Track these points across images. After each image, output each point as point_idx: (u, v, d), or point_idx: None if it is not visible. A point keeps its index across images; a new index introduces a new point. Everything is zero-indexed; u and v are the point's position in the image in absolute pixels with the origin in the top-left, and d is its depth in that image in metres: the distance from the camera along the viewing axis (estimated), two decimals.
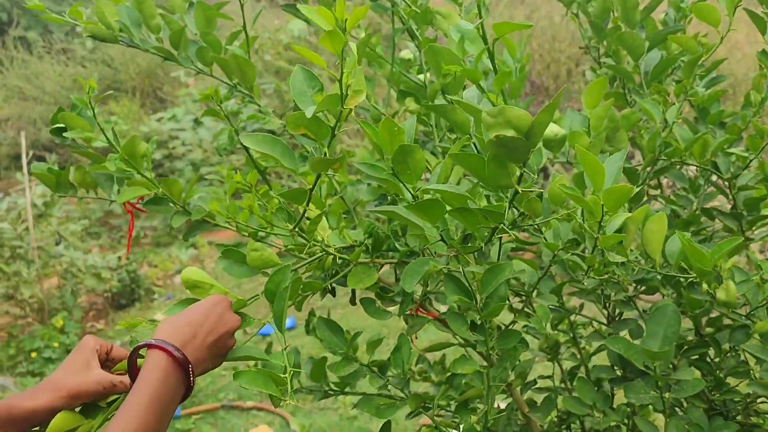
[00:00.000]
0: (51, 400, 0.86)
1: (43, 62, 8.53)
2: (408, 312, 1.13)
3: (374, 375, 1.12)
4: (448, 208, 0.87)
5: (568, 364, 1.54)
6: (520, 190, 0.81)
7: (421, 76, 1.20)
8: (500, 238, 0.96)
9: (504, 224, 0.87)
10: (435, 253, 0.97)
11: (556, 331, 1.49)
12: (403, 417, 1.33)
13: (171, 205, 1.17)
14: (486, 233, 0.89)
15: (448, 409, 1.21)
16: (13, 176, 7.22)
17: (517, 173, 0.80)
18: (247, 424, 3.26)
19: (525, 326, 1.33)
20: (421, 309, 1.13)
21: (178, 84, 7.33)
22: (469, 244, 0.93)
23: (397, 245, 1.03)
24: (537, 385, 1.46)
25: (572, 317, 1.45)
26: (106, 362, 0.94)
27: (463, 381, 1.12)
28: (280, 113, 1.25)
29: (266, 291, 0.96)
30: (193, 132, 6.08)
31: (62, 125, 1.11)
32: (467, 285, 0.94)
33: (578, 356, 1.49)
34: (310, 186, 0.93)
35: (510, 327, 1.02)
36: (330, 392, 1.41)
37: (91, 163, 1.21)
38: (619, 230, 0.90)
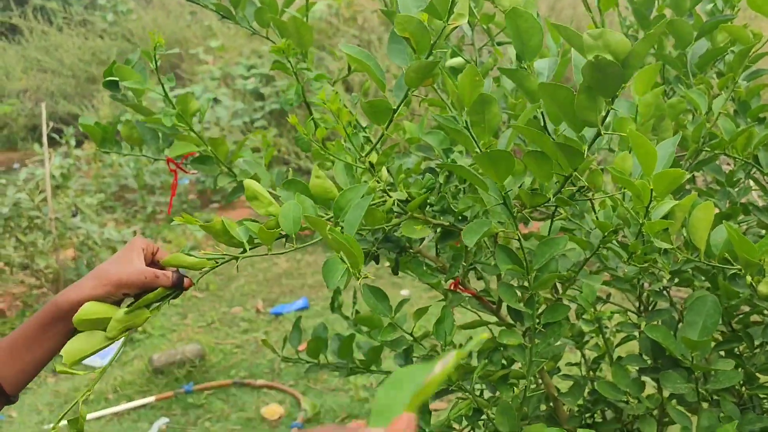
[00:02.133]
0: (94, 288, 0.88)
1: (62, 34, 8.53)
2: (448, 287, 1.13)
3: (417, 343, 1.13)
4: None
5: (590, 355, 1.54)
6: (602, 131, 0.80)
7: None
8: (553, 213, 0.95)
9: (573, 176, 0.86)
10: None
11: (582, 320, 1.49)
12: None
13: (216, 165, 1.19)
14: (558, 182, 0.89)
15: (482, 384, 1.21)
16: (29, 147, 7.25)
17: (603, 112, 0.80)
18: (258, 402, 3.27)
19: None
20: (460, 286, 1.13)
21: (197, 61, 7.32)
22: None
23: (452, 206, 1.04)
24: (561, 372, 1.46)
25: (599, 307, 1.45)
26: (152, 264, 0.95)
27: (503, 357, 1.12)
28: (332, 81, 1.25)
29: (335, 208, 0.95)
30: (211, 110, 6.08)
31: (115, 78, 1.13)
32: (519, 256, 0.95)
33: (602, 346, 1.49)
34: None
35: (557, 301, 1.02)
36: (356, 369, 1.41)
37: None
38: (664, 217, 0.90)
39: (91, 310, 0.87)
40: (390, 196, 1.03)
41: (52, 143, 5.94)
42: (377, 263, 1.17)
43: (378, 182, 1.02)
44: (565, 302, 1.13)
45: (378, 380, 3.48)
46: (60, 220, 4.41)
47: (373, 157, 1.04)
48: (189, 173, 1.27)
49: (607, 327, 1.52)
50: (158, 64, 1.11)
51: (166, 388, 3.42)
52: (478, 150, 0.89)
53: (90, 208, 4.89)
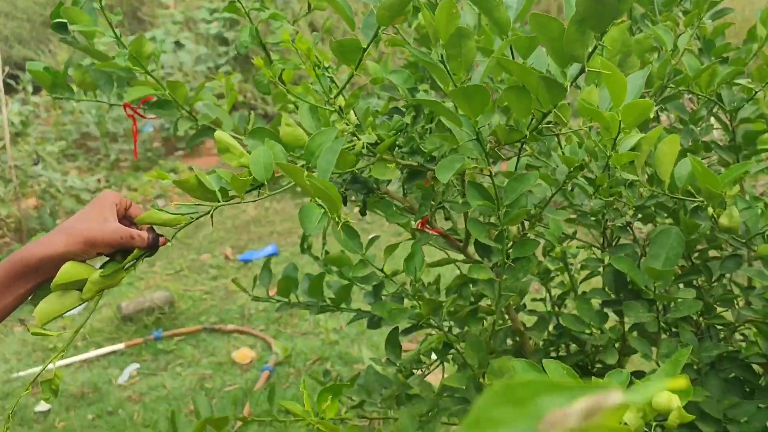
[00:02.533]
0: (66, 245, 0.82)
1: None
2: (416, 227, 1.14)
3: (389, 279, 1.14)
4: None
5: (556, 292, 1.58)
6: (587, 67, 0.81)
7: None
8: (519, 150, 0.96)
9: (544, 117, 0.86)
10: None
11: (548, 257, 1.53)
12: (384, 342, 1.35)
13: (175, 109, 1.16)
14: (537, 117, 0.89)
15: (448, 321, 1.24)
16: None
17: (590, 48, 0.80)
18: (228, 347, 3.30)
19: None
20: (427, 225, 1.14)
21: (158, 4, 7.10)
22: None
23: (421, 146, 1.04)
24: (527, 308, 1.50)
25: (565, 243, 1.48)
26: (124, 219, 0.90)
27: (472, 293, 1.14)
28: (292, 20, 1.22)
29: (306, 153, 0.93)
30: (173, 55, 5.94)
31: (64, 20, 1.07)
32: (490, 192, 0.96)
33: (567, 283, 1.52)
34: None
35: (524, 237, 1.04)
36: (327, 308, 1.43)
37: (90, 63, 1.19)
38: (632, 150, 0.91)
39: (70, 271, 0.84)
40: (359, 139, 1.03)
41: (9, 90, 5.76)
42: (345, 205, 1.18)
43: (347, 125, 1.01)
44: (532, 237, 1.15)
45: (347, 320, 3.54)
46: (20, 168, 4.31)
47: (341, 100, 1.03)
48: (147, 118, 1.24)
49: (572, 264, 1.55)
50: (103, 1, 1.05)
51: (135, 335, 3.42)
52: (453, 85, 0.89)
53: (51, 155, 4.79)
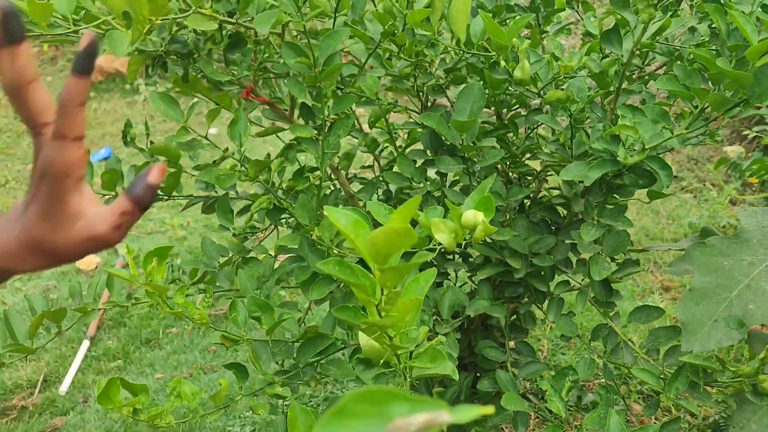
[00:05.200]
0: None
1: None
2: (240, 96, 1.15)
3: (212, 144, 1.14)
4: None
5: (384, 162, 1.66)
6: None
7: None
8: (336, 8, 0.98)
9: None
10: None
11: (373, 126, 1.59)
12: None
13: None
14: None
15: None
16: None
17: None
18: None
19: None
20: (252, 94, 1.15)
21: None
22: None
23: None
24: (358, 177, 1.57)
25: (388, 117, 1.54)
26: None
27: (297, 151, 1.17)
28: None
29: None
30: None
31: None
32: (305, 51, 0.97)
33: (395, 152, 1.60)
34: None
35: (345, 93, 1.07)
36: (157, 198, 1.42)
37: None
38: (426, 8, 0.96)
39: None
40: None
41: None
42: (166, 71, 1.15)
43: None
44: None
45: (190, 213, 3.48)
46: None
47: None
48: None
49: (398, 135, 1.63)
50: None
51: None
52: None
53: None
